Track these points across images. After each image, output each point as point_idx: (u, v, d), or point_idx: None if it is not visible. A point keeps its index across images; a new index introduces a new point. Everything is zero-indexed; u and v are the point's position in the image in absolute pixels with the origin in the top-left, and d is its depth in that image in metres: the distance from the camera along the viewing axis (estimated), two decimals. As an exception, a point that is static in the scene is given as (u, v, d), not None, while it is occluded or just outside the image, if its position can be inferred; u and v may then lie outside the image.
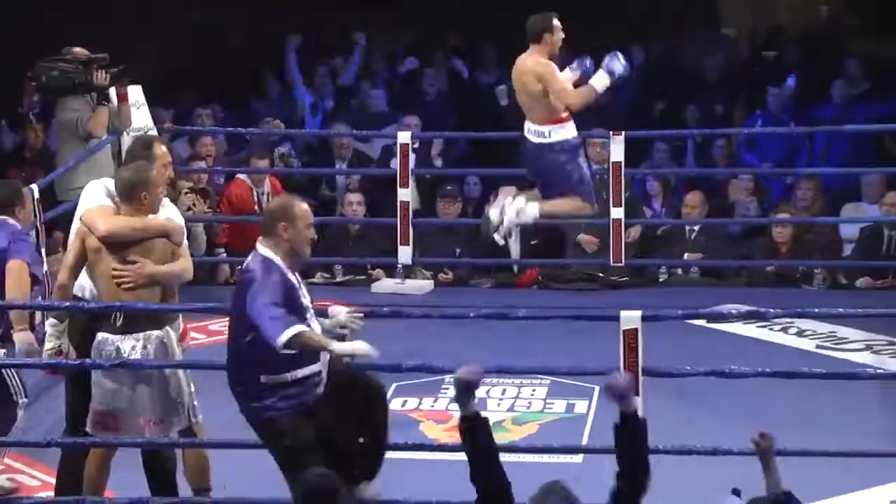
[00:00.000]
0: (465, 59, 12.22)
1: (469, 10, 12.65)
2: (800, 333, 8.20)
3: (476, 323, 5.91)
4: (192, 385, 5.62)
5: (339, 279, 9.43)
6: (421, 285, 9.20)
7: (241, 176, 9.51)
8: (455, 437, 4.90)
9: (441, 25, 12.69)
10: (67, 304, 5.55)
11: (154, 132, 8.24)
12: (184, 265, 5.61)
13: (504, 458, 4.83)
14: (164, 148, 5.85)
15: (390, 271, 9.23)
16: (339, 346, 5.00)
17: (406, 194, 8.84)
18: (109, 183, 5.73)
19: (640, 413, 4.69)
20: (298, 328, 4.92)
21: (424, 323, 6.98)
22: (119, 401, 5.48)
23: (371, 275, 9.35)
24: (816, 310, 7.21)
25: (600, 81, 7.47)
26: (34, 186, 7.28)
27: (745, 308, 8.05)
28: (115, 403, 5.48)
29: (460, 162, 10.51)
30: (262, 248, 5.09)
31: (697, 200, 9.45)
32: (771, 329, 8.24)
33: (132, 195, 5.54)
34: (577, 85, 7.56)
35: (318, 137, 10.89)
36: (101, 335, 5.48)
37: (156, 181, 5.60)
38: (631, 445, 4.59)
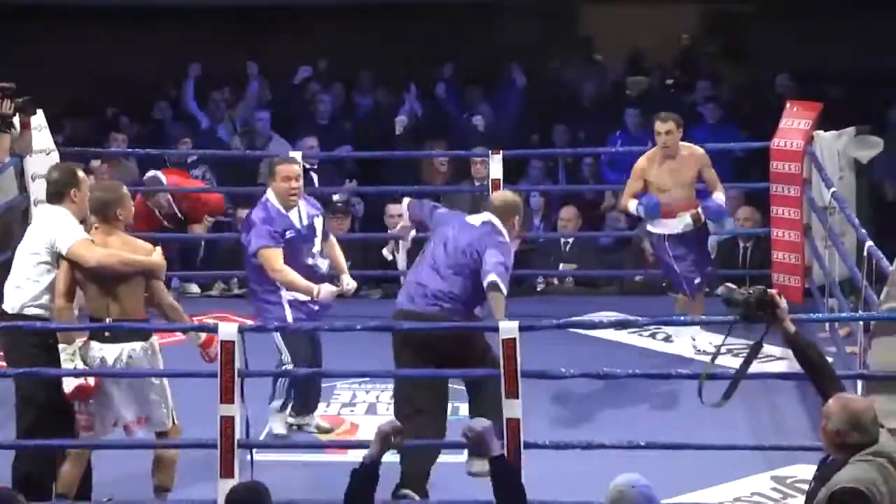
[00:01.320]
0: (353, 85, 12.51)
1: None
2: (666, 339, 8.46)
3: (366, 332, 6.32)
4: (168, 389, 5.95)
5: (235, 291, 9.64)
6: (314, 296, 9.47)
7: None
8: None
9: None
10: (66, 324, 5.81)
11: (55, 154, 8.36)
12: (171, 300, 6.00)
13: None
14: (82, 173, 6.18)
15: (285, 283, 9.52)
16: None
17: (299, 210, 9.15)
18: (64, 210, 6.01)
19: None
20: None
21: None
22: (95, 402, 5.85)
23: (267, 287, 9.63)
24: (682, 317, 7.58)
25: (633, 206, 8.17)
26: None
27: (616, 315, 8.51)
28: (92, 405, 5.85)
29: (349, 180, 10.72)
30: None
31: (571, 214, 9.82)
32: (640, 335, 8.47)
33: (107, 212, 5.83)
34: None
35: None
36: (90, 342, 5.84)
37: (128, 198, 5.95)
38: (505, 487, 4.51)
